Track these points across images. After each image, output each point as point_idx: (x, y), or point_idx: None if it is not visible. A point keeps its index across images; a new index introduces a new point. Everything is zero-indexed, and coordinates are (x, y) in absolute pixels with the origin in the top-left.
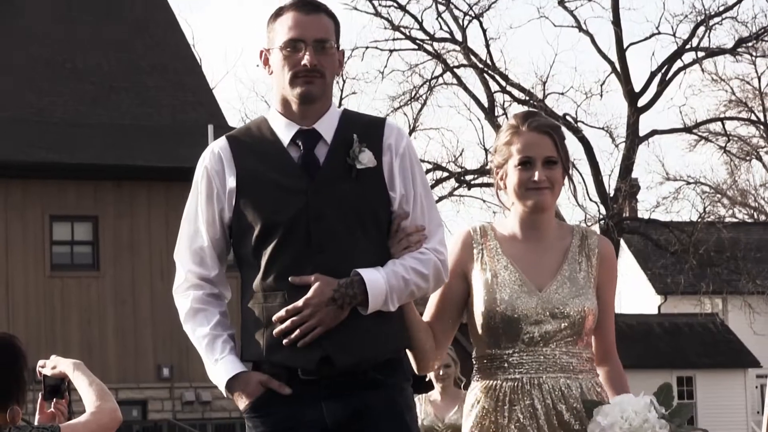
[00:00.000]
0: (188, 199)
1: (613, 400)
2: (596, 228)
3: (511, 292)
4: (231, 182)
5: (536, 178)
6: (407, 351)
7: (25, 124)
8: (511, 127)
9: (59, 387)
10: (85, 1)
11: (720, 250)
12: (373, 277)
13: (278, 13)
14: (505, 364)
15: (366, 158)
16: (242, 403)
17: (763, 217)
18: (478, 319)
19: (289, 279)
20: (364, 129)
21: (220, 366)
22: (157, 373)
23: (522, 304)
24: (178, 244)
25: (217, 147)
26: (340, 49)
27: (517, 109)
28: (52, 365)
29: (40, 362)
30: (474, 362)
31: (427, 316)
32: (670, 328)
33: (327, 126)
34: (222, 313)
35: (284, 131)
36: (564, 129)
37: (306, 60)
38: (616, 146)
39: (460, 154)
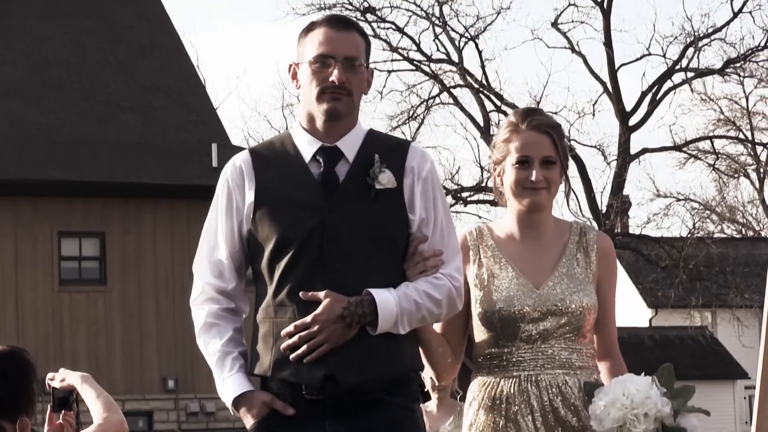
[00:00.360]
0: (209, 211)
1: (615, 380)
2: None
3: (508, 292)
4: (250, 195)
5: (533, 178)
6: (424, 365)
7: (35, 144)
8: (511, 124)
9: (67, 399)
10: (93, 25)
11: (709, 264)
12: (385, 298)
13: (310, 28)
14: (505, 362)
15: (385, 179)
16: (248, 422)
17: (751, 233)
18: (477, 320)
19: (300, 294)
20: (388, 150)
21: (228, 384)
22: (162, 384)
23: (519, 303)
24: (197, 256)
25: (239, 160)
26: (369, 68)
27: None
28: (61, 378)
29: (49, 375)
30: (473, 360)
31: (438, 327)
32: (660, 341)
33: (350, 144)
34: (236, 330)
35: (307, 147)
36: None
37: (334, 76)
38: (608, 164)
39: (457, 172)
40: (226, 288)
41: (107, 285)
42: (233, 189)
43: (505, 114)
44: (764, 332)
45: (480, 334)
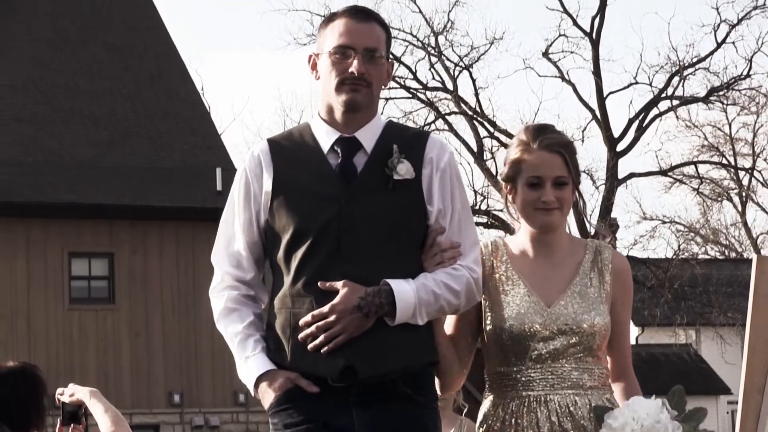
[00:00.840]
0: (227, 202)
1: (624, 404)
2: None
3: (519, 309)
4: (267, 185)
5: (545, 198)
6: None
7: (47, 168)
8: (522, 143)
9: (77, 413)
10: (103, 55)
11: (693, 284)
12: (402, 288)
13: (331, 18)
14: (513, 382)
15: (404, 169)
16: (269, 397)
17: (733, 255)
18: (488, 337)
19: (318, 284)
20: (406, 141)
21: (251, 363)
22: (168, 399)
23: (530, 321)
24: (215, 248)
25: (257, 150)
26: (389, 60)
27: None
28: (70, 393)
29: (59, 390)
30: (485, 378)
31: (449, 331)
32: (647, 358)
33: (368, 135)
34: (256, 315)
35: (325, 138)
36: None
37: (354, 67)
38: (597, 188)
39: None
40: (245, 278)
41: (116, 303)
42: (251, 178)
43: (498, 140)
44: (746, 349)
45: (491, 351)
